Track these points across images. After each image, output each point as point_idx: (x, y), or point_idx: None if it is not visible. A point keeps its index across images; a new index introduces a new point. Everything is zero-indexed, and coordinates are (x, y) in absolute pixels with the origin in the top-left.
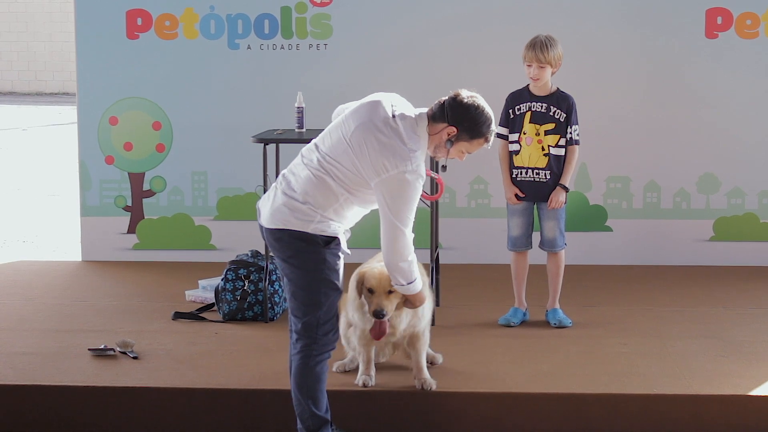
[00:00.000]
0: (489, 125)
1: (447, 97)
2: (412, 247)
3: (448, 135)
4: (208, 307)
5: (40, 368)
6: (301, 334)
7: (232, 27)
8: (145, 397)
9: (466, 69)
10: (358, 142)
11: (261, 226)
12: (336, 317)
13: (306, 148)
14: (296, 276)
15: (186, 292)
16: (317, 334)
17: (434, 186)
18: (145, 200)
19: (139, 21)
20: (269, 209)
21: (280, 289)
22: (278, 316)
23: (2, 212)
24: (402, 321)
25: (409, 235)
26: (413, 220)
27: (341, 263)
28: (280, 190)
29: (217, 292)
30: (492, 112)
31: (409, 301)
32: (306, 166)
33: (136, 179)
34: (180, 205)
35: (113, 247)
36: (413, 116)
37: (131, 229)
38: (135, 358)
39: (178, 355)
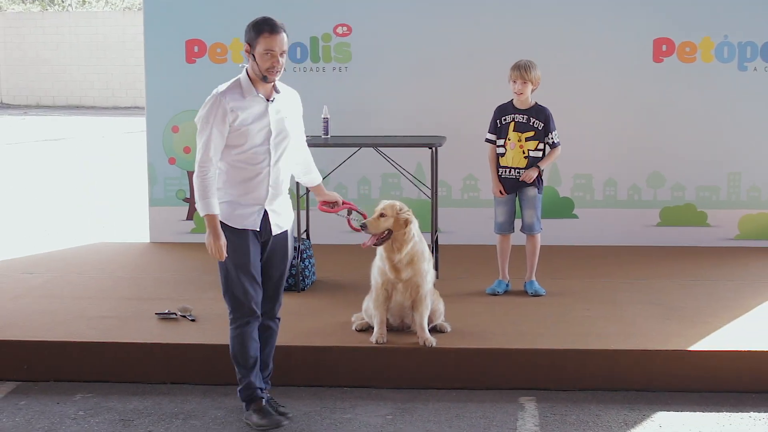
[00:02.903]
0: (256, 23)
1: None
2: (204, 169)
3: (247, 52)
4: None
5: (117, 328)
6: (227, 306)
7: None
8: (201, 352)
9: (462, 88)
10: None
11: None
12: (241, 291)
13: None
14: None
15: None
16: (229, 306)
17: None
18: None
19: (196, 48)
20: None
21: (310, 266)
22: (308, 287)
23: (86, 202)
24: (401, 256)
25: (203, 154)
26: (205, 141)
27: (235, 242)
28: None
29: None
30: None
31: None
32: None
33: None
34: None
35: (175, 231)
36: None
37: (189, 217)
38: (193, 320)
39: (228, 319)
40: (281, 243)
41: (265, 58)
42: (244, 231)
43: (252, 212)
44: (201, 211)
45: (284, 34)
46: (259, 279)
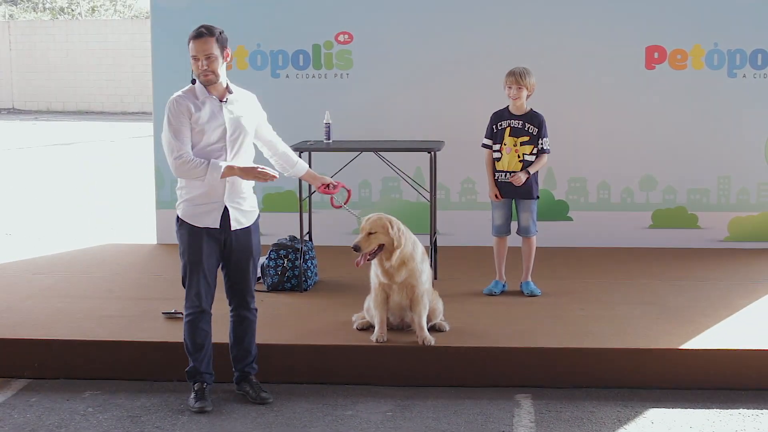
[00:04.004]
0: (188, 36)
1: None
2: (182, 155)
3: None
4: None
5: (125, 328)
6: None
7: (274, 60)
8: None
9: (459, 94)
10: None
11: None
12: (192, 289)
13: None
14: None
15: None
16: (184, 297)
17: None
18: None
19: None
20: None
21: (312, 266)
22: (310, 287)
23: (96, 204)
24: (391, 263)
25: (177, 147)
26: (174, 136)
27: (190, 241)
28: None
29: (262, 268)
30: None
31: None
32: None
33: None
34: None
35: None
36: None
37: None
38: None
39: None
40: (243, 240)
41: (193, 62)
42: (200, 230)
43: (212, 209)
44: (214, 175)
45: (210, 38)
46: (213, 277)
